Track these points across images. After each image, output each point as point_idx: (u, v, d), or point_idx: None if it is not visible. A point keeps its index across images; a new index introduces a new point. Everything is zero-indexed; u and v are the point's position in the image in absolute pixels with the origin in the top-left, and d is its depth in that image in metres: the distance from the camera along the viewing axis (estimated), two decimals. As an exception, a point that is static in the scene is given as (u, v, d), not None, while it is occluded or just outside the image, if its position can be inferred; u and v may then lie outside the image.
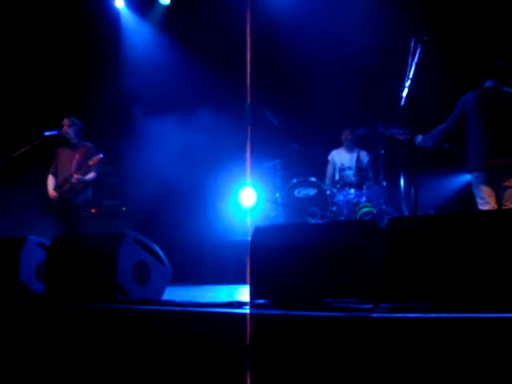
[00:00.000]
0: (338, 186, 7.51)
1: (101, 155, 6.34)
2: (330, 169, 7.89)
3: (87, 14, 8.34)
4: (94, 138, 6.83)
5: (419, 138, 5.45)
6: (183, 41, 8.31)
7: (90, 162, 6.31)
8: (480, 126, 5.13)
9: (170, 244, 6.99)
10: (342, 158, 7.82)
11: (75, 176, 6.29)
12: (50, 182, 6.56)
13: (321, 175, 7.78)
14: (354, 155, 7.66)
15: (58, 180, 6.50)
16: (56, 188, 6.46)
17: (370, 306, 2.63)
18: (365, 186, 7.33)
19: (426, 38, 4.21)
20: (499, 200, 5.02)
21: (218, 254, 7.05)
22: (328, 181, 7.82)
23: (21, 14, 8.27)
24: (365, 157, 7.55)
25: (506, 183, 4.98)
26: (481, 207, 5.09)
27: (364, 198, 7.32)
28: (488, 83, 5.24)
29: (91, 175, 6.41)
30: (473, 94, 5.23)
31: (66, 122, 6.55)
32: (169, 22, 8.75)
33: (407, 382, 2.26)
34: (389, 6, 7.25)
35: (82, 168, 6.34)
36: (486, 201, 5.04)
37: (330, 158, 7.91)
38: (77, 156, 6.43)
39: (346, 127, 7.82)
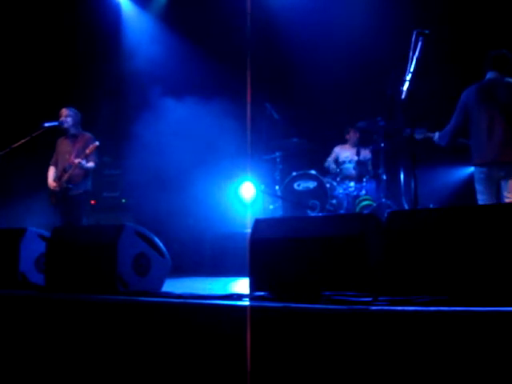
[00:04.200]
0: (338, 179, 7.51)
1: (97, 143, 6.31)
2: (331, 158, 7.93)
3: (87, 5, 8.31)
4: (94, 129, 6.82)
5: (436, 136, 5.34)
6: (183, 32, 8.28)
7: (87, 151, 6.28)
8: (481, 120, 5.04)
9: (170, 236, 7.00)
10: (344, 152, 7.84)
11: (76, 160, 6.25)
12: (51, 172, 6.55)
13: (321, 169, 7.80)
14: (355, 149, 7.66)
15: (58, 170, 6.49)
16: (56, 179, 6.46)
17: (370, 298, 2.64)
18: (365, 179, 7.33)
19: (427, 31, 4.18)
20: (500, 191, 4.96)
21: (218, 246, 7.05)
22: (327, 164, 7.90)
23: (22, 5, 8.24)
24: (367, 154, 7.56)
25: (506, 174, 4.90)
26: (481, 202, 5.05)
27: (364, 191, 7.32)
28: (489, 75, 5.10)
29: (90, 164, 6.40)
30: (474, 87, 5.12)
31: (64, 112, 6.52)
32: (169, 13, 8.72)
33: (406, 374, 2.27)
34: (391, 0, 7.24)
35: (81, 157, 6.33)
36: (486, 196, 5.00)
37: (335, 149, 7.95)
38: (76, 147, 6.42)
39: (351, 126, 7.83)
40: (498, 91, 5.02)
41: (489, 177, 4.99)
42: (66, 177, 6.34)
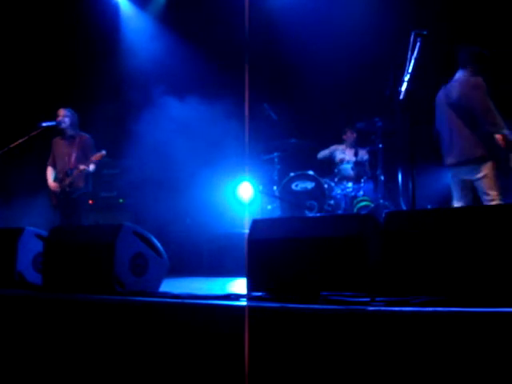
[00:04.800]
0: (336, 180, 7.51)
1: (103, 152, 6.33)
2: (326, 151, 7.98)
3: (86, 5, 8.31)
4: (91, 129, 6.81)
5: None
6: (182, 32, 8.28)
7: (93, 158, 6.29)
8: (443, 121, 4.98)
9: (168, 236, 6.99)
10: (341, 152, 7.85)
11: (81, 167, 6.26)
12: (50, 173, 6.54)
13: (319, 169, 7.80)
14: (353, 150, 7.68)
15: (58, 173, 6.48)
16: (56, 180, 6.44)
17: (367, 299, 2.64)
18: (362, 180, 7.33)
19: (425, 32, 4.18)
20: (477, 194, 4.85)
21: (216, 246, 7.05)
22: (321, 155, 7.97)
23: (20, 5, 8.23)
24: (364, 154, 7.57)
25: (473, 176, 4.80)
26: (455, 203, 4.97)
27: (361, 192, 7.32)
28: (457, 74, 4.98)
29: (92, 167, 6.40)
30: (441, 88, 5.05)
31: (61, 112, 6.52)
32: (167, 13, 8.72)
33: (402, 375, 2.27)
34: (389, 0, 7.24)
35: (82, 161, 6.33)
36: (457, 197, 4.94)
37: (331, 148, 7.98)
38: (75, 148, 6.42)
39: (348, 127, 7.84)
40: (454, 91, 4.89)
41: (456, 179, 4.93)
42: (67, 181, 6.33)
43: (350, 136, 7.87)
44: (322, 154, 8.03)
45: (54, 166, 6.55)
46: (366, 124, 7.29)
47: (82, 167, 6.27)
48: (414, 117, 4.29)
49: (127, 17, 9.00)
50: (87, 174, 6.40)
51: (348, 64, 7.28)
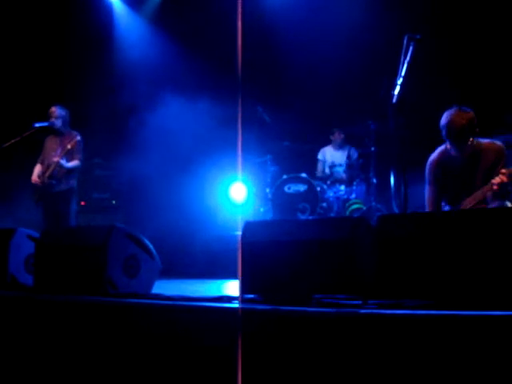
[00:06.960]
0: (329, 183, 7.53)
1: (78, 137, 6.32)
2: (320, 166, 7.95)
3: (79, 5, 8.30)
4: (86, 130, 6.80)
5: None
6: (175, 34, 8.29)
7: (68, 146, 6.27)
8: None
9: (160, 238, 6.98)
10: (332, 155, 7.86)
11: (55, 159, 6.26)
12: (36, 169, 6.53)
13: (311, 172, 7.82)
14: (345, 152, 7.70)
15: (44, 167, 6.48)
16: (40, 174, 6.44)
17: (359, 302, 2.65)
18: (355, 183, 7.35)
19: (418, 36, 4.19)
20: None
21: (208, 248, 7.05)
22: (320, 174, 7.87)
23: (14, 5, 8.22)
24: (354, 153, 7.59)
25: None
26: None
27: (354, 195, 7.35)
28: None
29: (74, 162, 6.38)
30: None
31: (54, 112, 6.50)
32: (161, 14, 8.73)
33: (394, 377, 2.28)
34: (382, 3, 7.26)
35: (64, 154, 6.31)
36: None
37: (319, 157, 7.97)
38: (62, 145, 6.42)
39: (336, 127, 7.86)
40: None
41: None
42: (47, 173, 6.33)
43: (337, 137, 7.87)
44: (320, 170, 7.97)
45: (43, 163, 6.54)
46: (359, 127, 7.31)
47: (55, 159, 6.27)
48: (407, 120, 4.31)
49: (121, 17, 9.00)
50: (69, 169, 6.37)
51: (342, 67, 7.30)
